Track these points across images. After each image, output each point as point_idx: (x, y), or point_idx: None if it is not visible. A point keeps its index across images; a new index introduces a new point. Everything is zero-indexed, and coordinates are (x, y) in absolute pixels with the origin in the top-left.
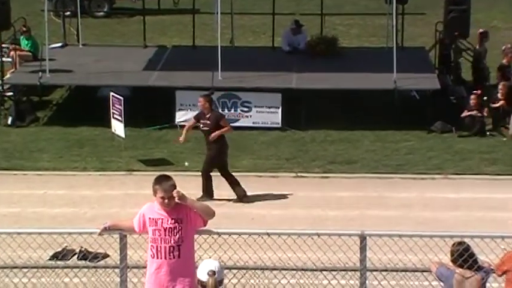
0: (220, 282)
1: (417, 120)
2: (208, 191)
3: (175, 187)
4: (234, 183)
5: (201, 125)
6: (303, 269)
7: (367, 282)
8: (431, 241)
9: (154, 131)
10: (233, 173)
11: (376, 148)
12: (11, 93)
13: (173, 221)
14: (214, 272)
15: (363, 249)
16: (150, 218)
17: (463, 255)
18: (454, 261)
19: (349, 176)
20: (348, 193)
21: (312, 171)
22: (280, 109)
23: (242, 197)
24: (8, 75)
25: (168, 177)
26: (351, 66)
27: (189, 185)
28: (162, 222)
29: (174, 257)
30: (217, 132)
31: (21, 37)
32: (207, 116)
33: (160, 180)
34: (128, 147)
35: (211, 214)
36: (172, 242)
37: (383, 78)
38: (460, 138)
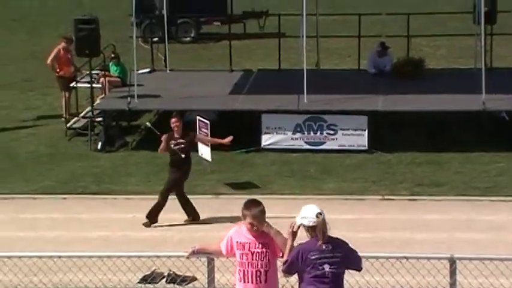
0: None
1: (507, 141)
2: (194, 213)
3: (264, 213)
4: (188, 204)
5: (173, 145)
6: None
7: None
8: None
9: (240, 154)
10: (319, 196)
11: (464, 170)
12: (100, 119)
13: (260, 245)
14: (321, 213)
15: (452, 273)
16: (237, 242)
17: None
18: None
19: (437, 198)
20: (436, 216)
21: (399, 193)
22: (366, 131)
23: (197, 218)
24: (97, 101)
25: (258, 203)
26: (439, 87)
27: (276, 208)
28: (249, 246)
29: (260, 282)
30: (217, 141)
31: (111, 63)
32: (178, 135)
33: (249, 205)
34: (214, 171)
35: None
36: (259, 266)
37: (471, 100)
38: None
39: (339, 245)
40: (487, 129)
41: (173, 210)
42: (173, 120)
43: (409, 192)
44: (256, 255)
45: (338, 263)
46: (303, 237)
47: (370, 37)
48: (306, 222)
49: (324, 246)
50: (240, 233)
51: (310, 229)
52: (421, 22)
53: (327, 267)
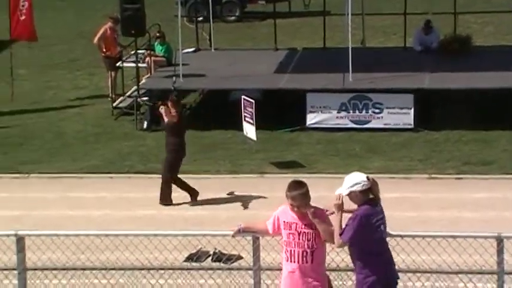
0: None
1: None
2: (190, 192)
3: (305, 195)
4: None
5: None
6: (438, 272)
7: (505, 285)
8: None
9: (285, 133)
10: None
11: None
12: (146, 98)
13: (307, 226)
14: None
15: (500, 251)
16: (284, 222)
17: None
18: None
19: (485, 177)
20: (484, 194)
21: (446, 172)
22: (412, 110)
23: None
24: (143, 81)
25: (300, 185)
26: (486, 65)
27: (321, 187)
28: (296, 226)
29: (307, 262)
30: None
31: (156, 43)
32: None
33: (291, 187)
34: (259, 150)
35: (330, 241)
36: (305, 246)
37: None
38: None
39: (381, 205)
40: None
41: (216, 190)
42: (170, 104)
43: (456, 171)
44: (302, 235)
45: (385, 223)
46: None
47: (416, 14)
48: (360, 187)
49: (378, 208)
50: (287, 212)
51: (362, 193)
52: None
53: (382, 228)
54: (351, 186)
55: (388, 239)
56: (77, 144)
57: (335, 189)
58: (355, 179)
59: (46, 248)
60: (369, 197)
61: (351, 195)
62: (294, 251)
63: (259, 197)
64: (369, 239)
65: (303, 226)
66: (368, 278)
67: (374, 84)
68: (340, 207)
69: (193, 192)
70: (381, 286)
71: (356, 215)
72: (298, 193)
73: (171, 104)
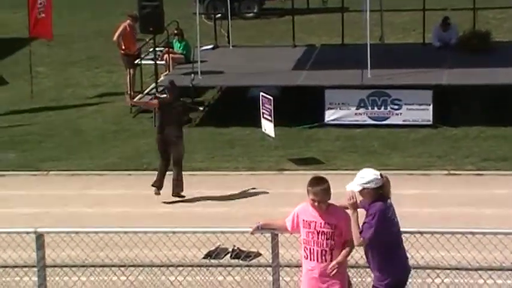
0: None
1: None
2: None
3: (327, 191)
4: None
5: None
6: (457, 268)
7: None
8: None
9: (304, 130)
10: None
11: None
12: (164, 95)
13: (326, 225)
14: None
15: None
16: (304, 220)
17: None
18: None
19: (504, 173)
20: (503, 190)
21: (465, 168)
22: (431, 106)
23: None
24: (161, 78)
25: (322, 181)
26: (505, 61)
27: (340, 184)
28: (315, 225)
29: (326, 261)
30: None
31: (174, 40)
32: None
33: (313, 182)
34: (278, 147)
35: (352, 245)
36: (324, 245)
37: None
38: None
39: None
40: None
41: (234, 187)
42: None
43: (475, 167)
44: (321, 235)
45: (397, 216)
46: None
47: (435, 10)
48: (374, 185)
49: (389, 203)
50: (307, 210)
51: (375, 190)
52: None
53: (396, 220)
54: (365, 183)
55: (407, 235)
56: (96, 142)
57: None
58: (369, 176)
59: (65, 245)
60: (379, 193)
61: (363, 191)
62: (313, 249)
63: (278, 193)
64: (389, 233)
65: (324, 225)
66: (391, 270)
67: (392, 80)
68: (355, 206)
69: (159, 186)
70: (403, 276)
71: (374, 212)
72: (320, 188)
73: (167, 90)
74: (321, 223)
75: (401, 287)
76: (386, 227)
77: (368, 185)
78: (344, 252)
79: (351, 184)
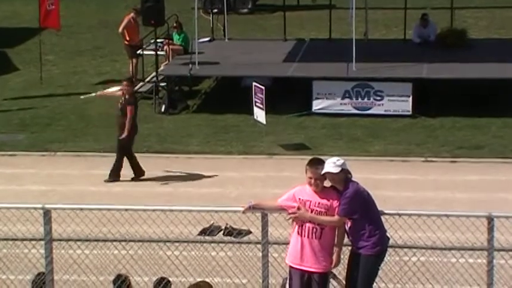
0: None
1: None
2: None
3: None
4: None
5: (119, 105)
6: (432, 248)
7: (494, 261)
8: None
9: (293, 118)
10: (366, 157)
11: (503, 134)
12: (164, 84)
13: (320, 204)
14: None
15: (490, 230)
16: (299, 199)
17: None
18: None
19: (477, 160)
20: (476, 177)
21: (441, 155)
22: (410, 98)
23: (139, 176)
24: (161, 68)
25: (320, 162)
26: (480, 56)
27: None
28: (310, 203)
29: (315, 238)
30: (127, 126)
31: (174, 33)
32: (125, 99)
33: (312, 162)
34: (269, 133)
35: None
36: (316, 223)
37: (511, 68)
38: None
39: None
40: None
41: (228, 170)
42: (124, 83)
43: (450, 155)
44: (314, 213)
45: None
46: None
47: (416, 9)
48: (346, 166)
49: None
50: (303, 191)
51: (346, 174)
52: None
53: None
54: (341, 165)
55: (387, 217)
56: (100, 126)
57: None
58: (339, 160)
59: (71, 221)
60: (349, 177)
61: (340, 174)
62: (305, 225)
63: (268, 176)
64: (369, 204)
65: (318, 204)
66: (379, 239)
67: (375, 73)
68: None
69: (139, 174)
70: (387, 246)
71: (346, 192)
72: (318, 167)
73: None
74: (315, 202)
75: (384, 255)
76: (364, 200)
77: (344, 167)
78: (338, 238)
79: (328, 167)
